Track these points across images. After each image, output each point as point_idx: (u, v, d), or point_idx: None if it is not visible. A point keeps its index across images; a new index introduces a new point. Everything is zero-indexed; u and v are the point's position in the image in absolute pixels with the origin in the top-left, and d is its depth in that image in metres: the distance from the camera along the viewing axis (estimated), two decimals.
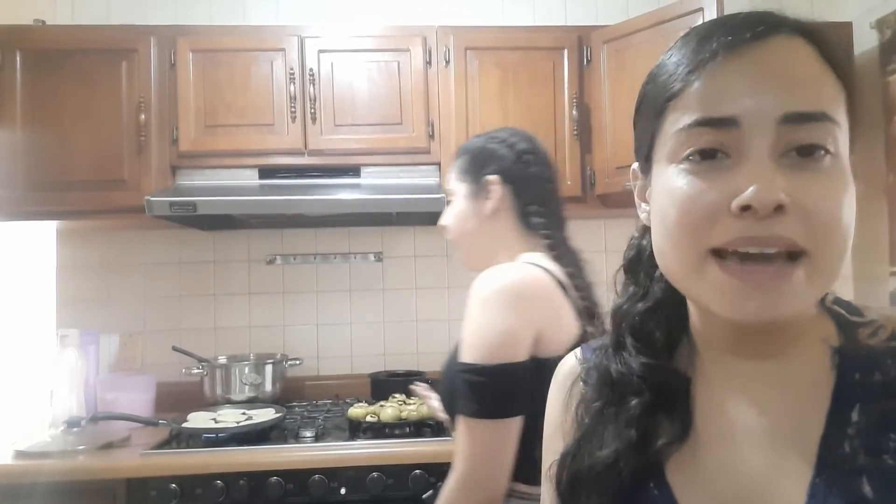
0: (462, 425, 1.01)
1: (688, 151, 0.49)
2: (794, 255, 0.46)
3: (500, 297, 1.03)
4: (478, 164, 1.23)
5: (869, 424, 0.49)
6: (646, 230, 0.60)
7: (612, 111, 2.04)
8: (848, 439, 0.49)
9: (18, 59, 1.95)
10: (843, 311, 0.55)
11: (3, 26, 1.98)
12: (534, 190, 1.21)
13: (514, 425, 1.00)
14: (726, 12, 1.79)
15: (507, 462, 1.00)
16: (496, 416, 0.99)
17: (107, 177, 1.97)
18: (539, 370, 0.99)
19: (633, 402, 0.56)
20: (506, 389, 0.99)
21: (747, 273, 0.47)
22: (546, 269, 1.11)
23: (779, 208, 0.45)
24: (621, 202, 2.09)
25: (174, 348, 2.12)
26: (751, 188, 0.45)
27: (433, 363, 2.35)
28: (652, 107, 0.53)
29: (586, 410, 0.60)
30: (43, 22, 2.13)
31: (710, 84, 0.48)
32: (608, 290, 0.66)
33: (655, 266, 0.57)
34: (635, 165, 0.59)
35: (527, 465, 1.03)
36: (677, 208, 0.49)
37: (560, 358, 0.98)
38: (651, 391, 0.56)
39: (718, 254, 0.48)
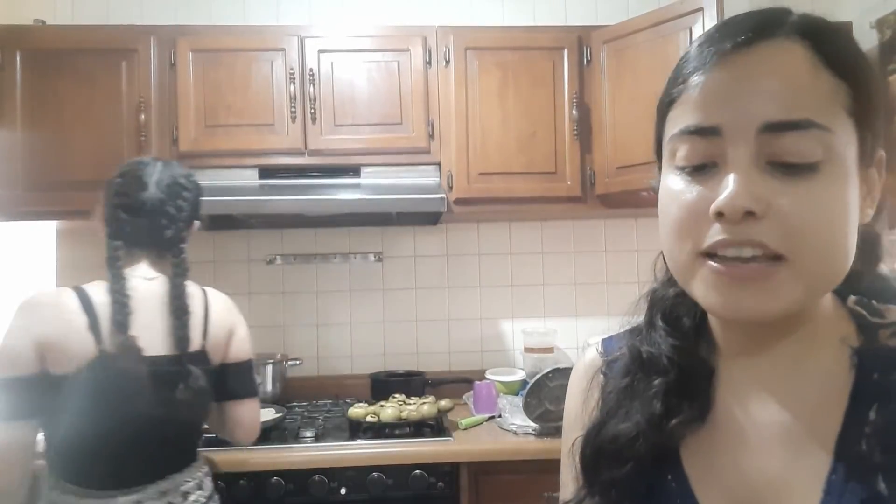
0: None
1: (680, 157, 0.51)
2: (775, 257, 0.47)
3: (14, 315, 1.23)
4: None
5: (886, 423, 0.49)
6: None
7: (612, 111, 2.04)
8: (865, 437, 0.49)
9: (18, 59, 1.96)
10: (864, 312, 0.56)
11: (3, 26, 1.98)
12: (108, 216, 1.37)
13: (18, 428, 1.20)
14: (726, 12, 1.80)
15: (12, 459, 1.19)
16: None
17: (107, 177, 1.96)
18: (50, 382, 1.21)
19: (658, 380, 0.58)
20: (10, 397, 1.19)
21: (731, 270, 0.48)
22: (83, 293, 1.27)
23: (750, 214, 0.47)
24: (621, 202, 2.09)
25: None
26: (723, 195, 0.48)
27: (433, 363, 2.36)
28: (660, 108, 0.56)
29: (612, 390, 0.61)
30: (43, 22, 2.14)
31: (700, 93, 0.50)
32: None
33: None
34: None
35: (61, 464, 1.27)
36: (671, 211, 0.52)
37: (74, 374, 1.22)
38: (676, 373, 0.57)
39: (707, 255, 0.50)
